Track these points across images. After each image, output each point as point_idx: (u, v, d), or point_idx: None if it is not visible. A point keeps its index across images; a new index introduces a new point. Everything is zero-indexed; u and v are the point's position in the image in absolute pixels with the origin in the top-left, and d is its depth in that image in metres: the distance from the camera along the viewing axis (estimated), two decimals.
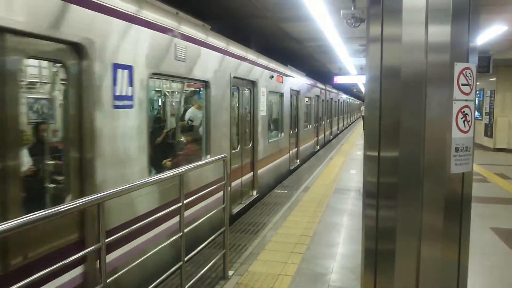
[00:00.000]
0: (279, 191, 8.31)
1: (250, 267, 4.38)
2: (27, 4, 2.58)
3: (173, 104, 6.91)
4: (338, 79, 19.83)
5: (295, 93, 11.68)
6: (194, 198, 3.85)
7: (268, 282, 4.02)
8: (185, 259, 3.43)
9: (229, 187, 5.22)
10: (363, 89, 36.67)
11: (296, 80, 11.63)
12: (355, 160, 12.76)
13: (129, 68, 3.59)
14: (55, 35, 2.79)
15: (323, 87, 17.61)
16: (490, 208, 6.98)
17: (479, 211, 6.47)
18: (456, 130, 2.15)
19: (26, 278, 1.95)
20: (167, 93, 7.06)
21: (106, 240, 2.52)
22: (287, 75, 10.41)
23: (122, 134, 3.54)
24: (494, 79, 14.83)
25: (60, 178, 3.33)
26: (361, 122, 30.46)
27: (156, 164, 4.66)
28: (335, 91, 23.12)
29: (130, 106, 3.63)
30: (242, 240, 5.25)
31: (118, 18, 3.46)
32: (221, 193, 5.08)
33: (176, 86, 6.84)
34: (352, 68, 20.06)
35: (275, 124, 10.08)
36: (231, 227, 5.59)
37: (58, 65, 3.58)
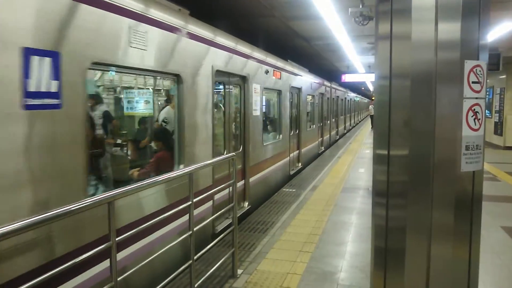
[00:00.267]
0: (287, 189, 8.30)
1: (259, 266, 4.39)
2: None
3: (136, 102, 5.73)
4: (346, 77, 19.73)
5: (296, 91, 10.80)
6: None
7: (277, 281, 4.03)
8: (195, 257, 3.44)
9: (211, 201, 5.02)
10: (371, 87, 36.55)
11: (297, 77, 10.73)
12: (363, 159, 12.71)
13: (53, 55, 2.74)
14: None
15: (329, 84, 16.74)
16: (501, 206, 6.93)
17: (489, 209, 6.41)
18: (467, 128, 2.14)
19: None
20: (128, 89, 6.13)
21: (117, 239, 2.54)
22: (286, 71, 9.40)
23: (37, 144, 2.62)
24: (504, 76, 14.67)
25: None
26: (369, 121, 30.34)
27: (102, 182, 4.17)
28: (341, 89, 22.29)
29: (56, 106, 2.77)
30: (251, 239, 5.26)
31: None
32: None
33: (144, 81, 6.09)
34: (360, 66, 20.00)
35: (272, 124, 9.36)
36: (239, 226, 5.59)
37: None
